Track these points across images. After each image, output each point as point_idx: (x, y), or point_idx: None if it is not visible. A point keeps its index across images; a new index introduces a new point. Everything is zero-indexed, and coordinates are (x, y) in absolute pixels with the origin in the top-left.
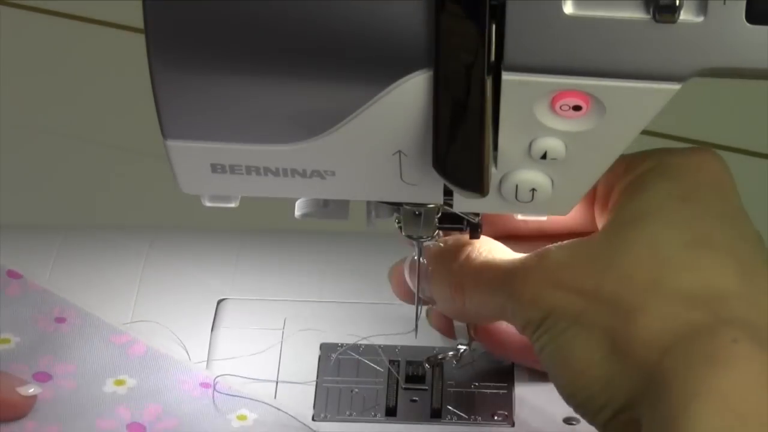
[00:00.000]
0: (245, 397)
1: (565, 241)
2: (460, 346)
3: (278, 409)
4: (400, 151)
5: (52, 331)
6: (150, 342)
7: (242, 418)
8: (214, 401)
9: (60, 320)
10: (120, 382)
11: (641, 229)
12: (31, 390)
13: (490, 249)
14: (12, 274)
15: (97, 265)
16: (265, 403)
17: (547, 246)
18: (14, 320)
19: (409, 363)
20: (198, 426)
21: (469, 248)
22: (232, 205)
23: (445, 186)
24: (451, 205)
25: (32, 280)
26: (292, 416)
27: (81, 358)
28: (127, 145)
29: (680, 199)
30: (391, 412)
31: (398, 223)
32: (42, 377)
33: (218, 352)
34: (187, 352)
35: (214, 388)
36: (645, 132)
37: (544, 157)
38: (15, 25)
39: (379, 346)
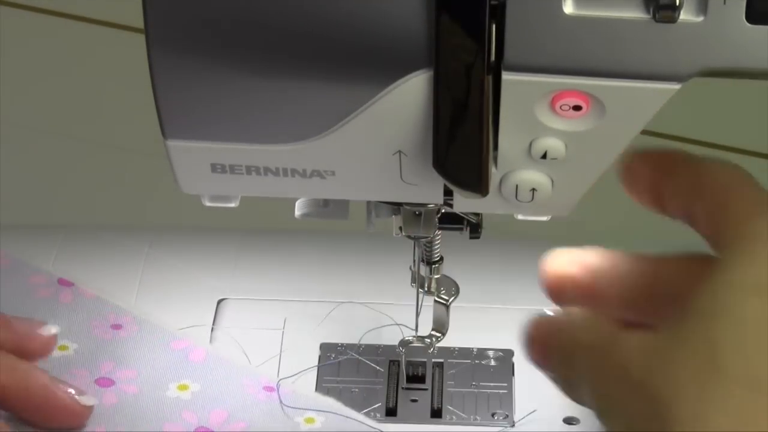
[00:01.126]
0: (312, 409)
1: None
2: (434, 333)
3: (347, 417)
4: (400, 151)
5: (110, 338)
6: (209, 347)
7: (310, 421)
8: (282, 405)
9: (116, 327)
10: (183, 387)
11: (723, 331)
12: (85, 398)
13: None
14: (64, 282)
15: (97, 265)
16: (330, 410)
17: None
18: (70, 327)
19: (409, 363)
20: (266, 430)
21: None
22: (232, 205)
23: (445, 186)
24: (451, 205)
25: (84, 287)
26: (360, 421)
27: (142, 363)
28: (127, 145)
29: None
30: (391, 412)
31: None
32: (104, 383)
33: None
34: (246, 356)
35: (279, 393)
36: (645, 132)
37: (544, 157)
38: (15, 25)
39: (379, 346)
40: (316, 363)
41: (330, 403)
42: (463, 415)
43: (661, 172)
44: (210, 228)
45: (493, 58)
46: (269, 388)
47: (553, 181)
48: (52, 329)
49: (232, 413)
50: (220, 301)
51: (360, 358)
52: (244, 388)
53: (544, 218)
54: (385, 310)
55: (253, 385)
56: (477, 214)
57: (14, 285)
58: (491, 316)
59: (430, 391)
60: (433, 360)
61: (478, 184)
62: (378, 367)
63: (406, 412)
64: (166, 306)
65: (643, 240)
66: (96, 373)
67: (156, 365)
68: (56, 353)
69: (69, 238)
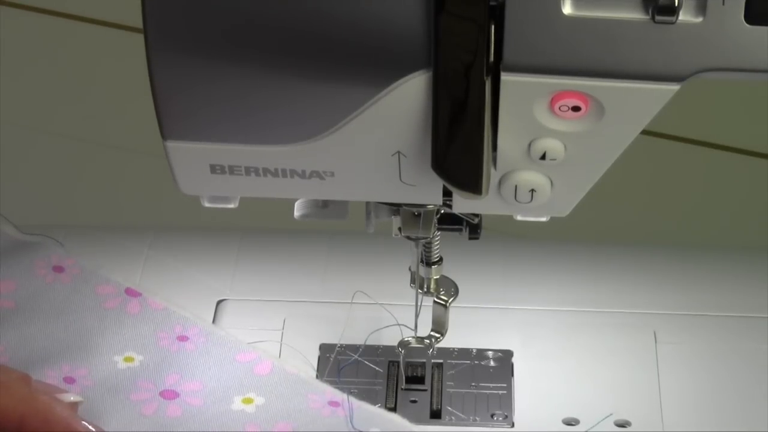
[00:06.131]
0: (377, 425)
1: None
2: (433, 334)
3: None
4: (399, 152)
5: (176, 350)
6: (276, 360)
7: None
8: (350, 421)
9: (182, 338)
10: (248, 401)
11: None
12: (71, 397)
13: None
14: (131, 292)
15: (97, 265)
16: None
17: None
18: (136, 339)
19: (408, 364)
20: None
21: None
22: (232, 206)
23: (444, 187)
24: (450, 206)
25: (151, 298)
26: None
27: (207, 376)
28: (127, 145)
29: None
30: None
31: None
32: (169, 395)
33: None
34: (314, 369)
35: (350, 407)
36: (645, 132)
37: (543, 157)
38: (15, 25)
39: (378, 347)
40: (316, 363)
41: (395, 419)
42: (463, 415)
43: None
44: (210, 228)
45: (492, 58)
46: (334, 403)
47: (552, 182)
48: (71, 397)
49: (296, 427)
50: (219, 302)
51: (360, 358)
52: (309, 403)
53: (544, 219)
54: (384, 310)
55: (318, 399)
56: (476, 215)
57: (81, 295)
58: (491, 317)
59: (429, 392)
60: (432, 361)
61: (476, 184)
62: (377, 368)
63: (405, 413)
64: None
65: (643, 240)
66: (161, 385)
67: (221, 378)
68: (122, 365)
69: (69, 238)
